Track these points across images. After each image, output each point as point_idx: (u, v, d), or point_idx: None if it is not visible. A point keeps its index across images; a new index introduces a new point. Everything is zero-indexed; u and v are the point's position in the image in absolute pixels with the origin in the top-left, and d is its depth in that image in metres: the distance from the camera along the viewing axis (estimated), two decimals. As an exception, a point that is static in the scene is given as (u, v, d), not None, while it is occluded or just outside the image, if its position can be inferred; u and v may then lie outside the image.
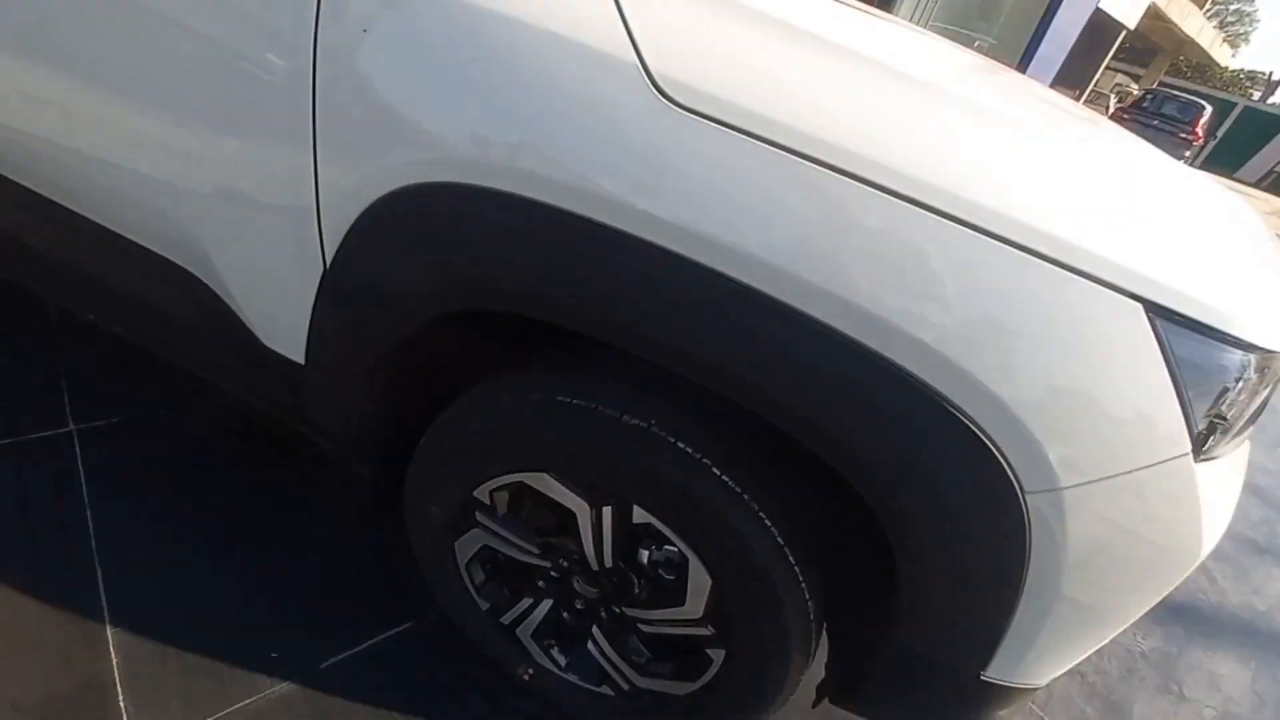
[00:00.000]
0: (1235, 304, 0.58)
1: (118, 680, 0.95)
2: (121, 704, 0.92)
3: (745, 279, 0.59)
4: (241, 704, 0.96)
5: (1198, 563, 0.64)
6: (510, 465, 0.83)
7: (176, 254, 0.89)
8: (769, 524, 0.73)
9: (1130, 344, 0.54)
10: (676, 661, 0.92)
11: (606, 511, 0.80)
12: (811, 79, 0.61)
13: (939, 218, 0.55)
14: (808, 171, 0.56)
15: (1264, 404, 0.70)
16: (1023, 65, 12.34)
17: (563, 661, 1.01)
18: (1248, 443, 0.83)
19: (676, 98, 0.58)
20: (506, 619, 1.01)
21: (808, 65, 0.62)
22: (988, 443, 0.57)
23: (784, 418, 0.65)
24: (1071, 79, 15.39)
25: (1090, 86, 16.50)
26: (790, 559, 0.74)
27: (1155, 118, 12.22)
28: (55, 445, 1.26)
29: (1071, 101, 1.27)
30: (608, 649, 0.94)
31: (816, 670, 0.91)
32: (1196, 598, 1.84)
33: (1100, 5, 12.51)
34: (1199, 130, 11.98)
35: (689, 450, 0.72)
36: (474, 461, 0.86)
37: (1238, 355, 0.57)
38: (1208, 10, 24.82)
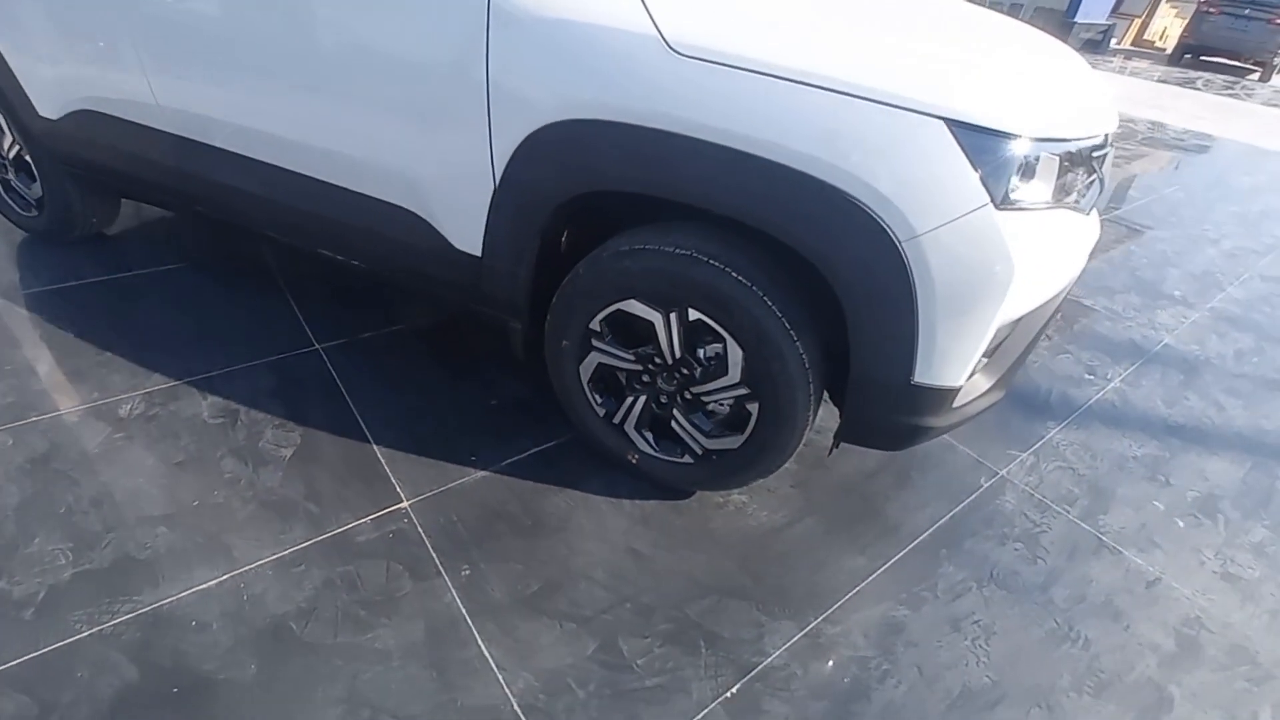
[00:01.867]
0: (1006, 113, 1.00)
1: (385, 466, 1.55)
2: (392, 479, 1.53)
3: (734, 145, 1.07)
4: (458, 481, 1.55)
5: (1012, 282, 1.06)
6: (611, 298, 1.34)
7: (400, 199, 1.46)
8: (771, 305, 1.20)
9: (941, 145, 0.98)
10: (729, 421, 1.41)
11: (672, 316, 1.30)
12: (751, 29, 1.08)
13: (828, 92, 1.00)
14: (753, 79, 1.03)
15: (1081, 176, 1.12)
16: (1085, -27, 11.64)
17: (655, 443, 1.52)
18: (1095, 215, 1.24)
19: (681, 51, 1.06)
20: (617, 418, 1.53)
21: (750, 20, 1.09)
22: (874, 215, 1.03)
23: (771, 227, 1.12)
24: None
25: (1172, -17, 15.17)
26: (787, 326, 1.21)
27: (1245, 7, 11.22)
28: (309, 359, 1.91)
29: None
30: (684, 422, 1.45)
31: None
32: (1201, 420, 2.12)
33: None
34: (1298, 12, 10.91)
35: (718, 264, 1.20)
36: (588, 300, 1.37)
37: (1015, 139, 1.00)
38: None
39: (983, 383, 1.32)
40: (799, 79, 1.01)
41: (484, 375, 1.92)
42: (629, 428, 1.53)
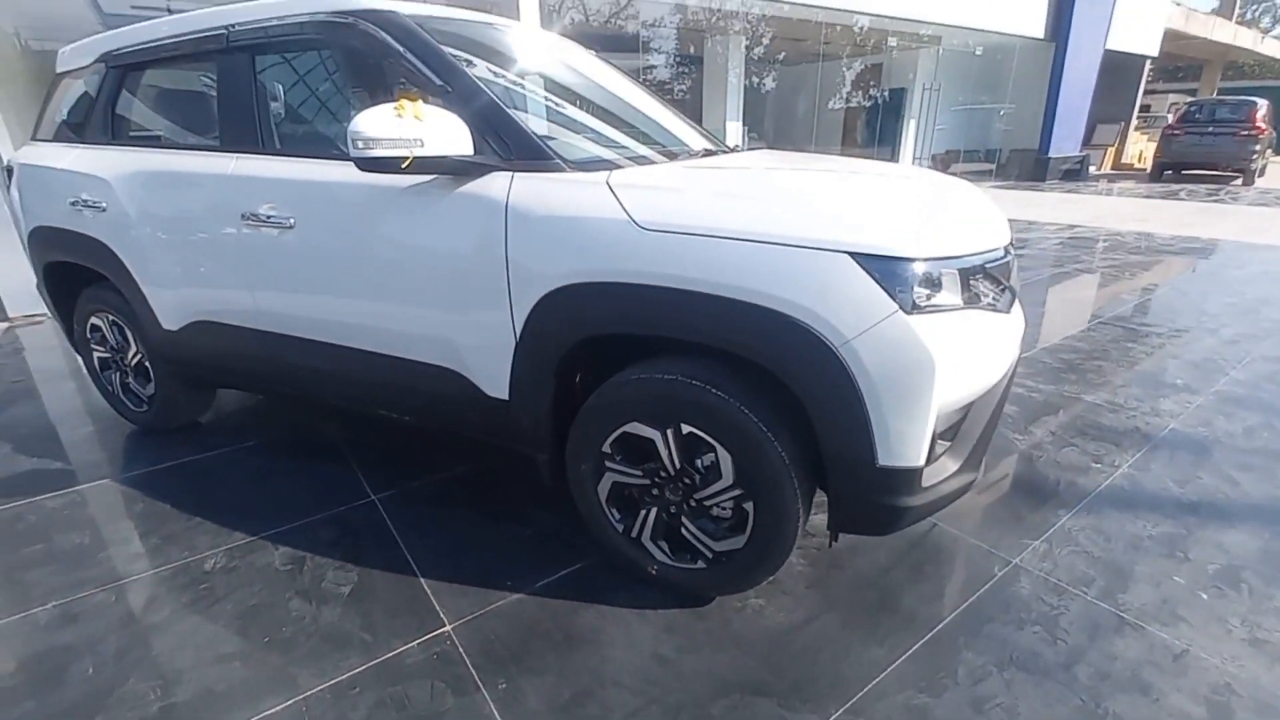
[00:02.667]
0: (896, 242, 1.28)
1: (430, 596, 1.72)
2: (436, 607, 1.69)
3: (693, 288, 1.37)
4: (496, 604, 1.70)
5: (937, 370, 1.27)
6: (617, 422, 1.59)
7: (441, 359, 1.79)
8: (747, 413, 1.42)
9: (850, 272, 1.26)
10: (732, 523, 1.57)
11: (669, 432, 1.53)
12: (696, 206, 1.43)
13: (759, 243, 1.32)
14: (702, 240, 1.36)
15: (984, 284, 1.38)
16: (1048, 118, 12.92)
17: (671, 553, 1.67)
18: (1018, 311, 1.49)
19: (646, 227, 1.41)
20: (634, 531, 1.70)
21: (700, 201, 1.45)
22: (811, 329, 1.29)
23: (733, 347, 1.38)
24: (1111, 115, 15.67)
25: (1134, 115, 16.59)
26: (764, 429, 1.42)
27: (1209, 124, 12.15)
28: (366, 509, 2.16)
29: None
30: (693, 528, 1.61)
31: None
32: (1216, 496, 2.15)
33: (1108, 47, 13.10)
34: (1260, 124, 11.74)
35: (699, 383, 1.45)
36: (598, 426, 1.62)
37: (909, 261, 1.27)
38: (1260, 8, 24.48)
39: (950, 464, 1.47)
40: (736, 236, 1.33)
41: (517, 511, 2.12)
42: (645, 540, 1.69)
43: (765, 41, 11.66)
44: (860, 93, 14.85)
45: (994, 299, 1.45)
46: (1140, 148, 17.08)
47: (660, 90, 11.93)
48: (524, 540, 1.97)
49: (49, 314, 4.63)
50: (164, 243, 2.18)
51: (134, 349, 2.54)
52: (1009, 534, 1.96)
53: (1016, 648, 1.54)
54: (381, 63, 1.80)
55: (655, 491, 1.64)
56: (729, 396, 1.43)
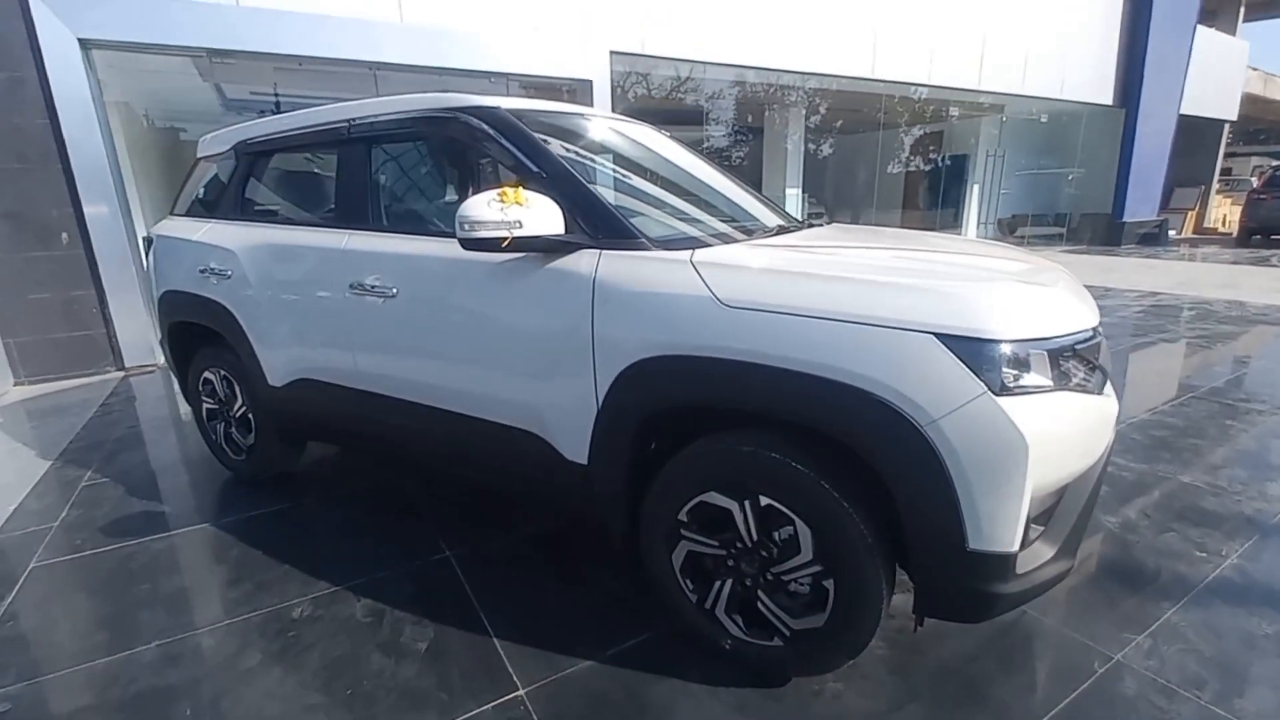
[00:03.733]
0: (984, 324, 1.29)
1: (504, 657, 1.75)
2: (509, 669, 1.71)
3: (779, 365, 1.41)
4: (567, 670, 1.71)
5: (1030, 453, 1.25)
6: (694, 491, 1.61)
7: (524, 424, 1.88)
8: (828, 488, 1.43)
9: (936, 353, 1.28)
10: (811, 601, 1.54)
11: (747, 503, 1.55)
12: (769, 284, 1.48)
13: (845, 323, 1.36)
14: (783, 318, 1.41)
15: (1077, 365, 1.36)
16: (1121, 182, 12.61)
17: (745, 628, 1.65)
18: (1110, 391, 1.45)
19: (727, 303, 1.47)
20: (708, 603, 1.69)
21: (781, 279, 1.50)
22: (896, 408, 1.30)
23: (817, 424, 1.40)
24: (1190, 178, 15.15)
25: (1215, 178, 15.98)
26: (846, 505, 1.42)
27: (1296, 189, 11.57)
28: (441, 565, 2.23)
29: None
30: (769, 603, 1.59)
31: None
32: (1344, 598, 1.96)
33: (1182, 112, 12.81)
34: (1355, 188, 11.09)
35: (778, 456, 1.47)
36: (675, 495, 1.65)
37: (996, 343, 1.28)
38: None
39: (1045, 550, 1.42)
40: (820, 315, 1.38)
41: (585, 575, 2.14)
42: (719, 612, 1.68)
43: (823, 110, 11.95)
44: (921, 159, 14.92)
45: (1085, 379, 1.43)
46: (1224, 211, 16.36)
47: (720, 158, 12.34)
48: (592, 605, 1.98)
49: (160, 365, 5.10)
50: (277, 307, 2.40)
51: (240, 402, 2.75)
52: (1107, 626, 1.84)
53: (1124, 755, 1.43)
54: (481, 151, 1.98)
55: (730, 563, 1.64)
56: (809, 470, 1.44)
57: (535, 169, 1.82)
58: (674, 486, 1.65)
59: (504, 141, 1.89)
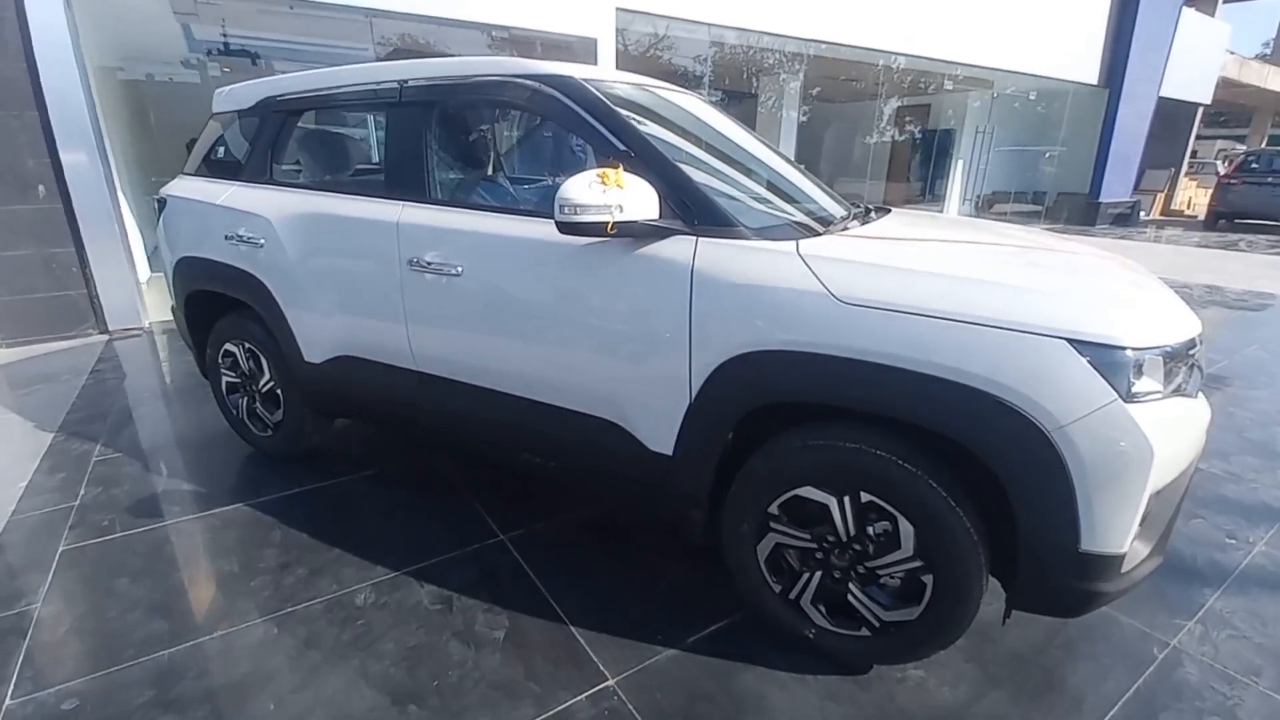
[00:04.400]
0: (1116, 327, 1.30)
1: (586, 647, 1.74)
2: (595, 660, 1.71)
3: (906, 366, 1.39)
4: (652, 659, 1.71)
5: (1155, 458, 1.27)
6: (788, 486, 1.60)
7: (602, 412, 1.83)
8: (935, 485, 1.44)
9: (1068, 358, 1.28)
10: (905, 593, 1.57)
11: (846, 499, 1.55)
12: (888, 281, 1.45)
13: (971, 325, 1.34)
14: (906, 317, 1.38)
15: (1183, 369, 1.38)
16: (1100, 163, 12.84)
17: (831, 618, 1.67)
18: (1203, 397, 1.48)
19: (844, 300, 1.44)
20: (792, 594, 1.71)
21: (900, 277, 1.47)
22: (1024, 413, 1.30)
23: (939, 426, 1.38)
24: (1161, 160, 15.50)
25: (1185, 161, 16.40)
26: (952, 503, 1.43)
27: (1269, 175, 11.96)
28: (497, 549, 2.20)
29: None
30: (861, 595, 1.61)
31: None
32: (1366, 584, 2.09)
33: (1162, 94, 13.02)
34: (1324, 175, 11.52)
35: (883, 454, 1.47)
36: (767, 488, 1.64)
37: (1127, 350, 1.28)
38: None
39: (1142, 549, 1.46)
40: (946, 316, 1.36)
41: (644, 559, 2.14)
42: (805, 603, 1.70)
43: (817, 80, 11.79)
44: (911, 133, 14.90)
45: (1189, 384, 1.45)
46: (1189, 194, 16.84)
47: (711, 124, 12.08)
48: (661, 591, 1.99)
49: (146, 329, 4.85)
50: (319, 281, 2.28)
51: (267, 377, 2.63)
52: (1158, 612, 1.92)
53: (1199, 740, 1.51)
54: (559, 124, 1.87)
55: (820, 555, 1.65)
56: (914, 468, 1.45)
57: (623, 147, 1.74)
58: (765, 480, 1.64)
59: (586, 115, 1.79)
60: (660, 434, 1.75)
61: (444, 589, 1.98)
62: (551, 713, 1.55)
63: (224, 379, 2.80)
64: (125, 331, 4.80)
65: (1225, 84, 16.11)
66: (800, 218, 1.86)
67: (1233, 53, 16.06)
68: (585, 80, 1.86)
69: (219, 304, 2.67)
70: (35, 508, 2.43)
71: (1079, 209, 13.46)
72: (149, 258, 6.69)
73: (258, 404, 2.73)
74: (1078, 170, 13.34)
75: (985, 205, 14.28)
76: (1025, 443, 1.32)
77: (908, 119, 14.67)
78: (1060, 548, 1.36)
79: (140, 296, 4.99)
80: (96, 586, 2.00)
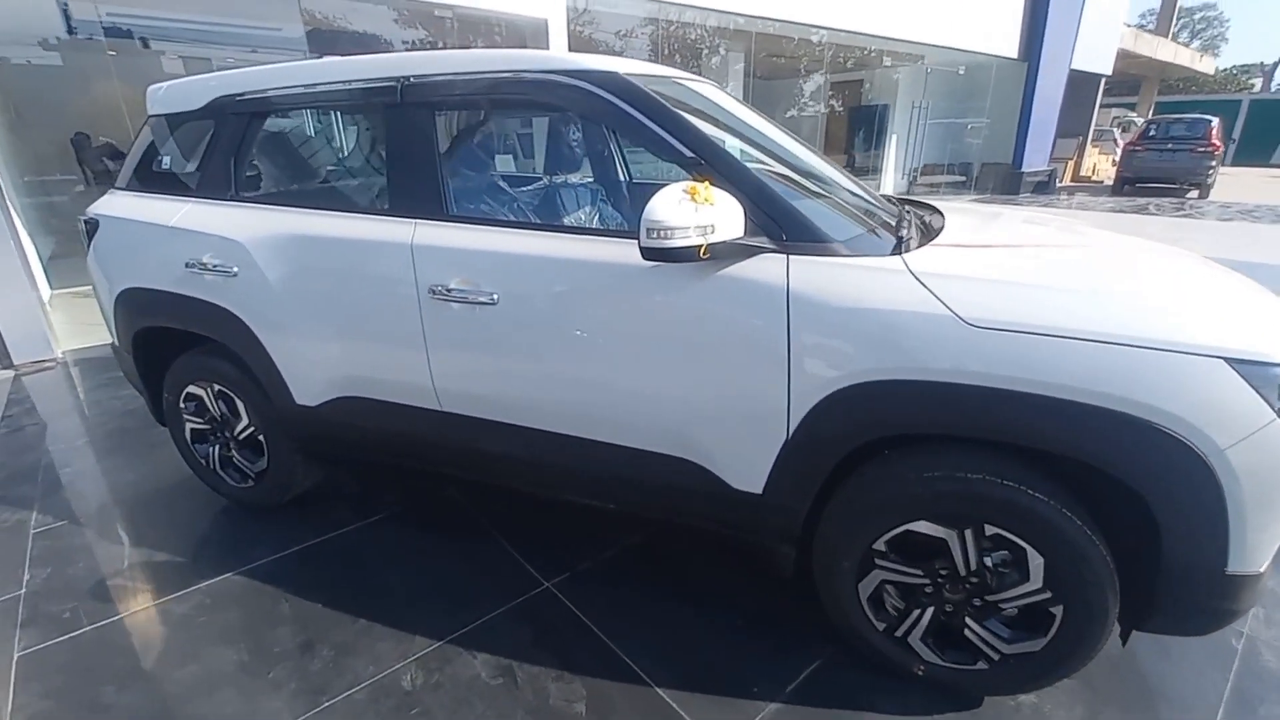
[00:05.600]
0: (1266, 345, 1.23)
1: (680, 710, 1.58)
2: (667, 700, 1.55)
3: (1032, 390, 1.28)
4: (758, 717, 1.57)
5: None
6: (899, 521, 1.48)
7: (676, 450, 1.65)
8: (1069, 515, 1.34)
9: (1227, 378, 1.20)
10: (1029, 625, 1.48)
11: (968, 534, 1.44)
12: (1021, 300, 1.34)
13: (1120, 346, 1.23)
14: (1047, 340, 1.27)
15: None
16: (1021, 133, 13.44)
17: (943, 652, 1.57)
18: None
19: (973, 323, 1.31)
20: (899, 632, 1.60)
21: (1035, 297, 1.34)
22: (1181, 438, 1.21)
23: (1084, 455, 1.27)
24: (1072, 129, 16.42)
25: (1091, 128, 17.45)
26: (1089, 532, 1.34)
27: (1167, 142, 12.88)
28: (545, 599, 1.98)
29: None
30: (979, 629, 1.52)
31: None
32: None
33: (1073, 66, 13.73)
34: (1215, 140, 12.51)
35: (1012, 483, 1.37)
36: (871, 523, 1.51)
37: (1275, 368, 1.22)
38: (1179, 25, 26.33)
39: (1266, 563, 1.43)
40: (1091, 338, 1.25)
41: (712, 593, 1.99)
42: (914, 640, 1.59)
43: (759, 56, 11.72)
44: (849, 108, 15.10)
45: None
46: (1094, 161, 17.99)
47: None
48: (740, 631, 1.84)
49: (60, 360, 4.23)
50: (312, 314, 1.96)
51: (245, 422, 2.28)
52: (1223, 600, 1.94)
53: (1313, 738, 1.51)
54: (610, 127, 1.64)
55: (930, 590, 1.54)
56: (1048, 498, 1.35)
57: (690, 155, 1.54)
58: (870, 516, 1.51)
59: (643, 120, 1.57)
60: (749, 472, 1.59)
61: (500, 656, 1.76)
62: (668, 800, 1.38)
63: (188, 426, 2.42)
64: (35, 365, 4.17)
65: (1122, 55, 17.18)
66: (876, 225, 1.71)
67: (1129, 25, 17.13)
68: (631, 76, 1.64)
69: (176, 341, 2.29)
70: (-32, 604, 2.02)
71: (1003, 178, 14.10)
72: (46, 271, 5.88)
73: (234, 452, 2.37)
74: (1001, 141, 13.94)
75: (918, 178, 14.73)
76: (1181, 468, 1.23)
77: (846, 94, 14.87)
78: (1207, 571, 1.30)
79: (48, 320, 4.35)
80: (74, 701, 1.66)
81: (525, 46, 6.14)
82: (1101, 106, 24.05)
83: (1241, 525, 1.25)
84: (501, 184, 2.09)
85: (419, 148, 1.81)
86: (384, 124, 1.86)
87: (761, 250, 1.47)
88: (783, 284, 1.44)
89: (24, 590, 2.07)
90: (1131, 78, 24.09)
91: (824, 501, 1.57)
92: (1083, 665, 1.47)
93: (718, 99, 2.08)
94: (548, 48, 5.96)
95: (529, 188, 2.07)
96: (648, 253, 1.36)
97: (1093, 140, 18.72)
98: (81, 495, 2.63)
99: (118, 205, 2.30)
